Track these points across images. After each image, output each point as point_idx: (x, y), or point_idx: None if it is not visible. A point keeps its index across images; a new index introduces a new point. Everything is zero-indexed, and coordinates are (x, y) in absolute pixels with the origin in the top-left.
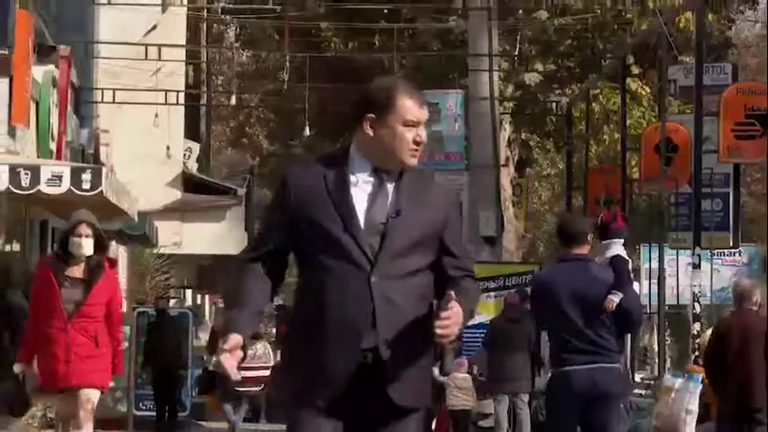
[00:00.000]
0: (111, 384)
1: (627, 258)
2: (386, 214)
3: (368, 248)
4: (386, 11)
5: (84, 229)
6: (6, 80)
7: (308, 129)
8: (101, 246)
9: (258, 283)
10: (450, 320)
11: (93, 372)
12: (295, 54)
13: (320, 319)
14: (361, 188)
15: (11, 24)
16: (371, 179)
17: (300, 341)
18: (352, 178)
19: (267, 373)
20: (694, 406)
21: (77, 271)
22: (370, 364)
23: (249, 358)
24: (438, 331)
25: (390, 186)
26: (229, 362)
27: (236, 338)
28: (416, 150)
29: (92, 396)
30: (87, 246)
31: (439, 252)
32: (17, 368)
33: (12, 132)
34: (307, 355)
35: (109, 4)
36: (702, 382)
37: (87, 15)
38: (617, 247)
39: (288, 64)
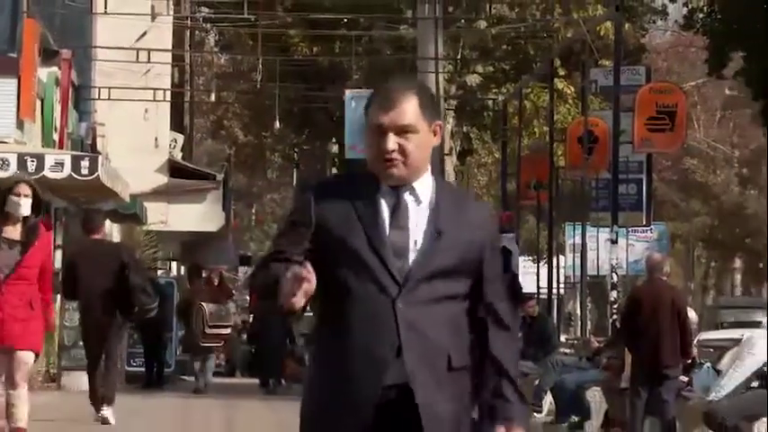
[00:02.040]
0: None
1: (512, 249)
2: (420, 236)
3: (396, 271)
4: (345, 20)
5: (24, 189)
6: (15, 80)
7: (278, 123)
8: (38, 207)
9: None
10: None
11: (27, 334)
12: (267, 57)
13: (341, 348)
14: (386, 206)
15: (19, 31)
16: (393, 196)
17: (321, 374)
18: (380, 196)
19: (230, 331)
20: None
21: (14, 232)
22: (396, 402)
23: (221, 316)
24: None
25: (424, 204)
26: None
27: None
28: (389, 162)
29: (27, 359)
30: (26, 205)
31: (478, 277)
32: None
33: (20, 125)
34: (328, 390)
35: (105, 13)
36: None
37: (86, 23)
38: (505, 240)
39: (260, 66)
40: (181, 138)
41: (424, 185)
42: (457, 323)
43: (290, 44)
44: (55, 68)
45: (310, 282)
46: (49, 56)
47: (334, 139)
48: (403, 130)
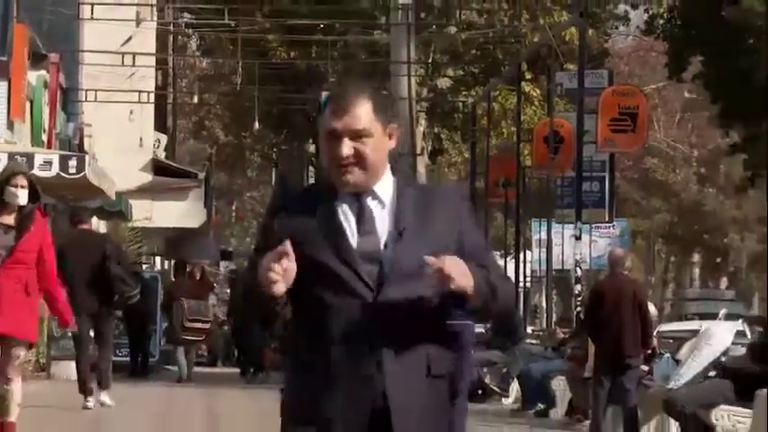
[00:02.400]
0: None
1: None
2: (386, 239)
3: (366, 276)
4: (321, 26)
5: (21, 180)
6: (5, 82)
7: (257, 123)
8: (34, 195)
9: None
10: (445, 263)
11: (22, 323)
12: (246, 61)
13: (320, 361)
14: (350, 214)
15: (9, 36)
16: (355, 203)
17: (298, 387)
18: (341, 204)
19: (209, 325)
20: None
21: (10, 219)
22: (379, 411)
23: (200, 311)
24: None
25: (386, 208)
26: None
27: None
28: (344, 167)
29: (20, 352)
30: (23, 196)
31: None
32: None
33: (10, 126)
34: (307, 402)
35: (92, 18)
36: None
37: (73, 28)
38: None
39: (240, 69)
40: (164, 138)
41: (385, 188)
42: (437, 326)
43: (268, 48)
44: (44, 72)
45: (290, 259)
46: (38, 59)
47: (311, 140)
48: (357, 135)
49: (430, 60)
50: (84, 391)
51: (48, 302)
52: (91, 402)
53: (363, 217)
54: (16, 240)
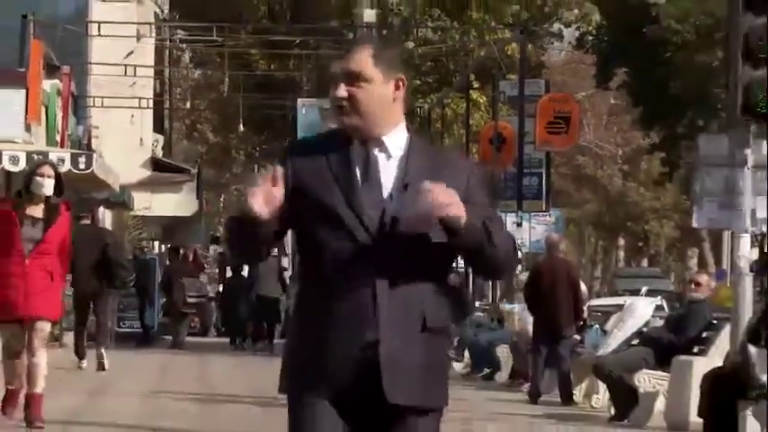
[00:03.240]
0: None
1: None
2: (389, 189)
3: (368, 222)
4: (297, 41)
5: (48, 170)
6: (24, 90)
7: (241, 126)
8: (60, 188)
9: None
10: (436, 191)
11: (48, 305)
12: (232, 72)
13: (319, 305)
14: (358, 161)
15: (27, 51)
16: (363, 152)
17: (300, 330)
18: (350, 152)
19: (203, 299)
20: None
21: (37, 210)
22: (370, 362)
23: (197, 288)
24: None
25: (392, 159)
26: (257, 200)
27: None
28: (339, 108)
29: (45, 327)
30: (48, 186)
31: None
32: None
33: (28, 128)
34: (306, 346)
35: (98, 35)
36: None
37: (82, 43)
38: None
39: (227, 79)
40: (161, 138)
41: (395, 140)
42: (435, 280)
43: (251, 61)
44: (57, 81)
45: (276, 184)
46: (51, 71)
47: (288, 140)
48: (353, 78)
49: None
50: (78, 354)
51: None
52: (84, 363)
53: (369, 165)
54: (43, 233)
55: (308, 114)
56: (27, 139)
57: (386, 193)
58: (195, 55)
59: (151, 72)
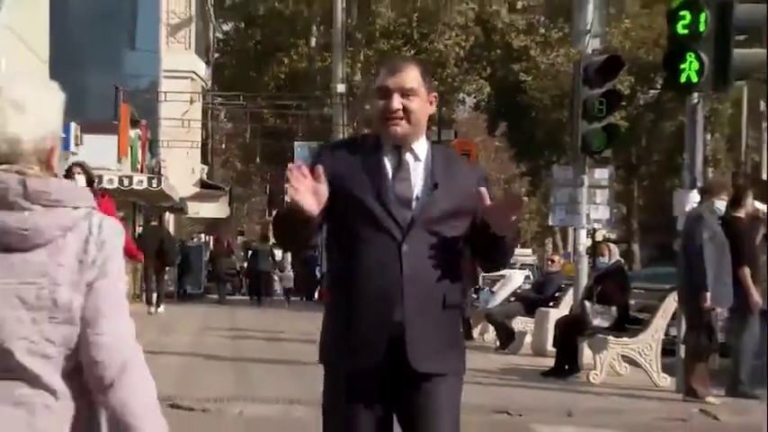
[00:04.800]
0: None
1: None
2: (419, 188)
3: (400, 219)
4: (294, 105)
5: (77, 169)
6: (116, 136)
7: (258, 159)
8: (90, 183)
9: None
10: (500, 205)
11: None
12: (252, 124)
13: (353, 287)
14: (390, 164)
15: (119, 110)
16: (396, 155)
17: (335, 309)
18: (383, 155)
19: (233, 272)
20: None
21: None
22: (398, 337)
23: (231, 263)
24: (493, 218)
25: (422, 162)
26: (304, 197)
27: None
28: (390, 120)
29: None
30: (81, 180)
31: (473, 222)
32: None
33: (119, 160)
34: (341, 324)
35: (165, 100)
36: None
37: (154, 105)
38: None
39: (249, 129)
40: (206, 167)
41: (421, 147)
42: (454, 266)
43: (265, 117)
44: (138, 130)
45: (319, 180)
46: (134, 123)
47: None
48: (406, 93)
49: (355, 122)
50: (149, 302)
51: (127, 255)
52: (152, 309)
53: (401, 167)
54: None
55: (302, 151)
56: (119, 167)
57: (415, 192)
58: (228, 113)
59: (199, 124)
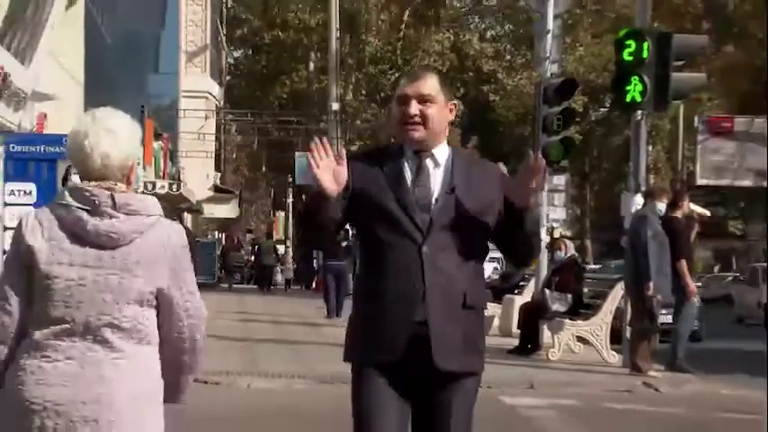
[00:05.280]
0: None
1: None
2: (438, 192)
3: (420, 222)
4: (295, 120)
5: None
6: (142, 147)
7: (263, 167)
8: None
9: None
10: (539, 168)
11: None
12: (259, 138)
13: (377, 289)
14: (410, 169)
15: (143, 125)
16: (416, 161)
17: (361, 310)
18: (404, 161)
19: (242, 264)
20: None
21: None
22: (420, 336)
23: (240, 257)
24: (526, 179)
25: (441, 167)
26: (324, 176)
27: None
28: (409, 125)
29: None
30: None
31: (493, 222)
32: None
33: (144, 168)
34: (366, 323)
35: (184, 117)
36: None
37: (173, 120)
38: None
39: (256, 141)
40: (219, 174)
41: (441, 152)
42: (474, 267)
43: (270, 131)
44: (160, 142)
45: (341, 162)
46: (157, 136)
47: (290, 176)
48: (424, 99)
49: (347, 138)
50: None
51: None
52: None
53: (421, 172)
54: None
55: (301, 161)
56: (144, 175)
57: (434, 196)
58: (238, 127)
59: (213, 137)
